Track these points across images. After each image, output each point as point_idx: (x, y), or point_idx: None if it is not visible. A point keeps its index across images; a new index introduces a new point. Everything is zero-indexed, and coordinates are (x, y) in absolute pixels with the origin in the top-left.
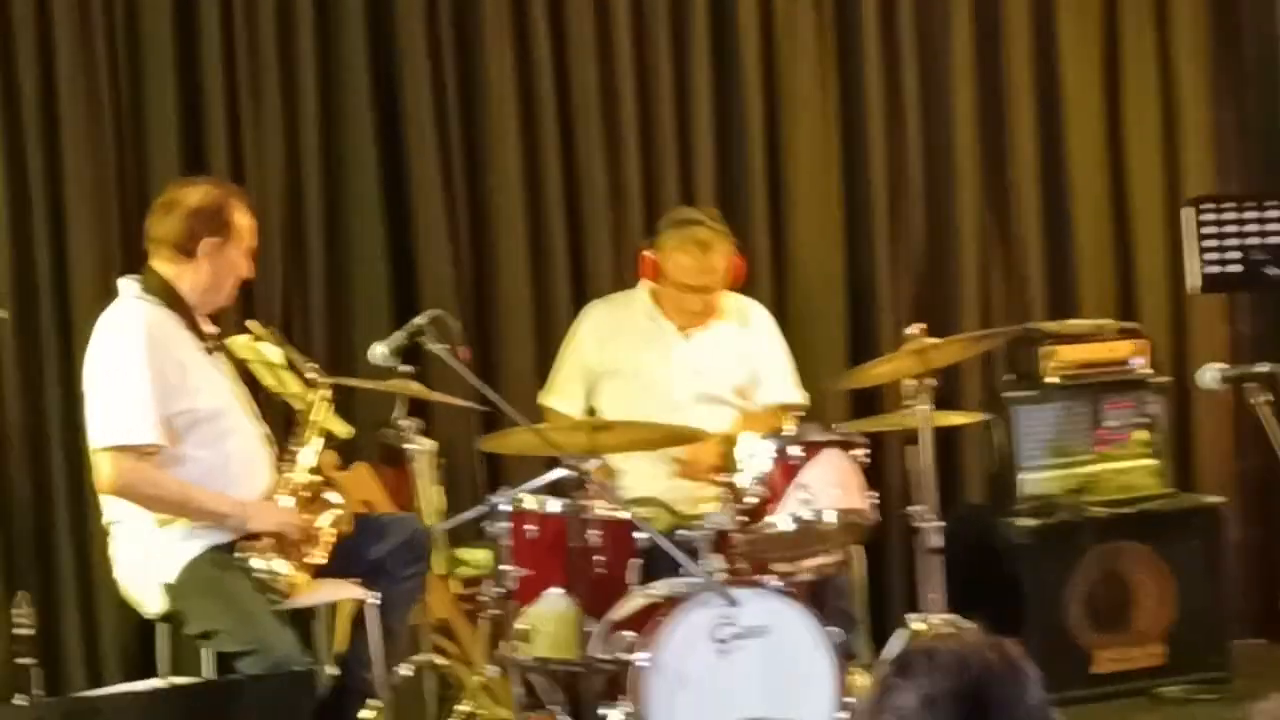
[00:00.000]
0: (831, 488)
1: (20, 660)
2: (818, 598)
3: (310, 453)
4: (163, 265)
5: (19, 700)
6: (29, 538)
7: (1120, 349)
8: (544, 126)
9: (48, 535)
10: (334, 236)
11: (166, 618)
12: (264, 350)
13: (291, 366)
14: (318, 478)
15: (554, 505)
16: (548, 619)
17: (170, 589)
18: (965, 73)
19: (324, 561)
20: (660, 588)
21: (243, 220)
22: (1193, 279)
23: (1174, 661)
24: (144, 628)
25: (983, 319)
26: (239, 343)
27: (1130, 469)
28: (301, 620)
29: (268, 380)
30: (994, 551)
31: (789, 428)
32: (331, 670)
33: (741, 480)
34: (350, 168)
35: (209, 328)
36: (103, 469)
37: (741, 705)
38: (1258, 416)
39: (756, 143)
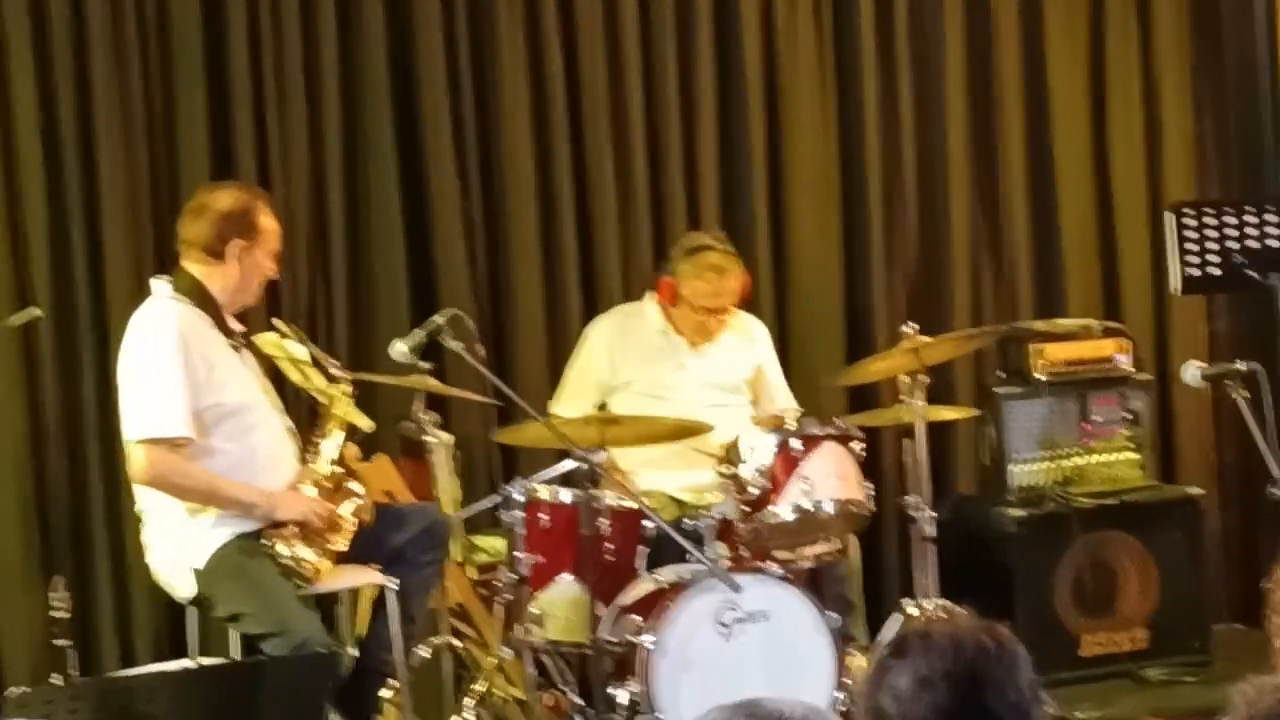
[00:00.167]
0: (830, 479)
1: (56, 641)
2: (817, 584)
3: (333, 445)
4: (193, 266)
5: (55, 679)
6: (65, 525)
7: (1105, 347)
8: (556, 135)
9: (83, 523)
10: (356, 239)
11: (196, 601)
12: (289, 347)
13: (315, 363)
14: (340, 469)
15: (565, 495)
16: (559, 603)
17: (200, 574)
18: (958, 85)
19: (346, 549)
20: (667, 574)
21: (269, 223)
22: (1174, 281)
23: (1157, 645)
24: (174, 611)
25: (974, 318)
26: (265, 340)
27: (1115, 462)
28: (324, 604)
29: (293, 376)
30: (985, 540)
31: (790, 423)
32: (353, 652)
33: (745, 472)
34: (371, 174)
35: (236, 326)
36: (136, 460)
37: (744, 686)
38: (1235, 411)
39: (758, 150)
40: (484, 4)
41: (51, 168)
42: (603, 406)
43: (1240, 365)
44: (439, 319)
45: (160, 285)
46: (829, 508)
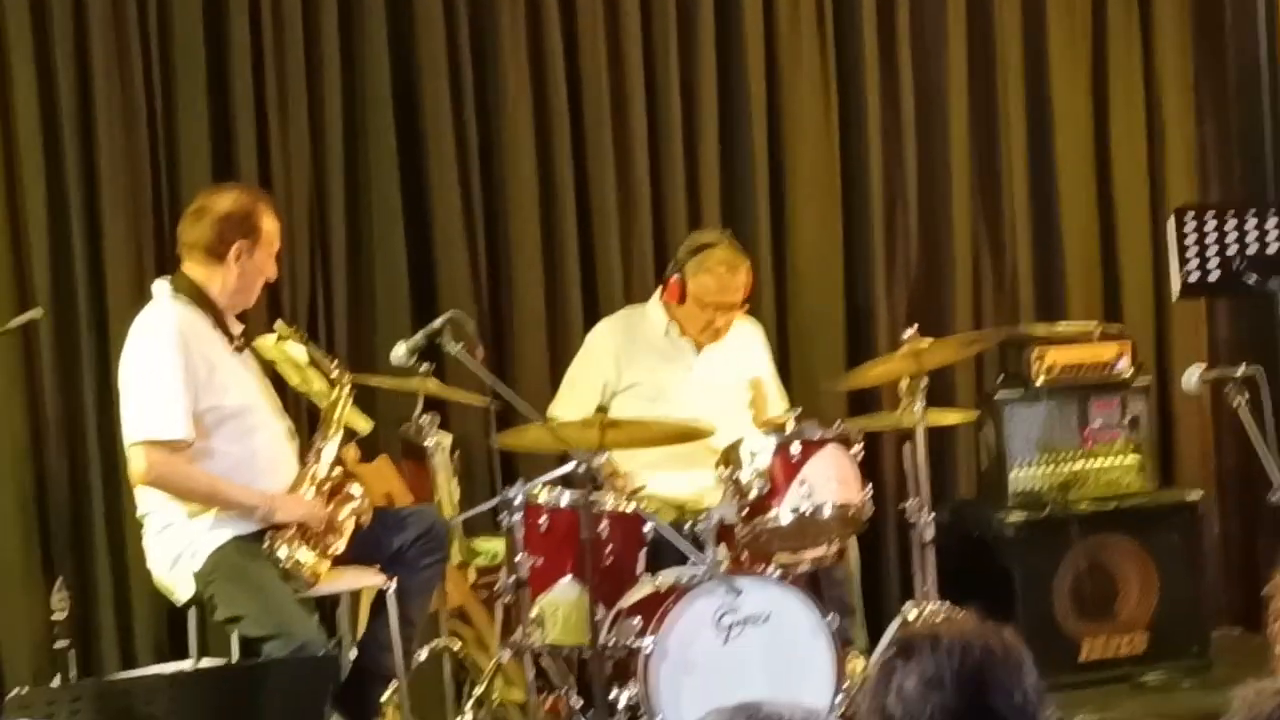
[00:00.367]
0: (830, 483)
1: (57, 643)
2: (816, 587)
3: (332, 447)
4: (194, 268)
5: (55, 681)
6: (66, 527)
7: (1105, 352)
8: (557, 137)
9: (83, 525)
10: (357, 241)
11: (196, 603)
12: (290, 349)
13: (315, 365)
14: (339, 471)
15: (565, 498)
16: (559, 606)
17: (199, 576)
18: (959, 88)
19: (345, 550)
20: (667, 577)
21: (270, 225)
22: (1174, 285)
23: (1156, 650)
24: (174, 613)
25: (975, 323)
26: (266, 342)
27: (1115, 466)
28: (324, 606)
29: (293, 378)
30: (985, 544)
31: (790, 426)
32: (352, 654)
33: (745, 475)
34: (373, 177)
35: (236, 328)
36: (136, 462)
37: (743, 689)
38: (1235, 416)
39: (759, 152)
40: (486, 6)
41: (52, 168)
42: (602, 410)
43: (1240, 370)
44: (439, 322)
45: (161, 287)
46: (828, 511)
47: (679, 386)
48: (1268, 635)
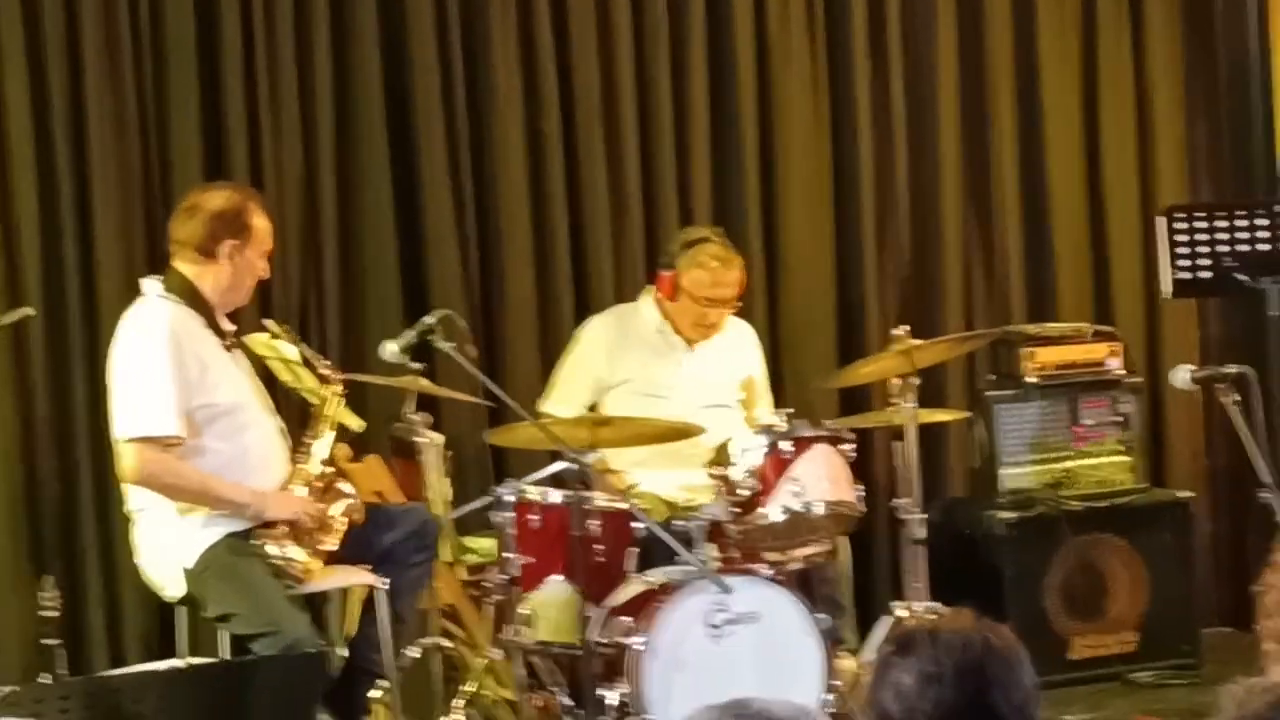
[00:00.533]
0: (821, 481)
1: (46, 641)
2: (806, 586)
3: (324, 445)
4: (185, 266)
5: (44, 679)
6: (55, 524)
7: (1096, 351)
8: (548, 136)
9: (73, 522)
10: (348, 239)
11: (186, 601)
12: (281, 347)
13: (306, 363)
14: (330, 469)
15: (556, 496)
16: (549, 604)
17: (189, 574)
18: (950, 87)
19: (336, 549)
20: (657, 575)
21: (261, 223)
22: (1165, 284)
23: (1146, 648)
24: (164, 611)
25: (965, 322)
26: (257, 340)
27: (1105, 465)
28: (314, 604)
29: (284, 376)
30: (975, 543)
31: (781, 425)
32: (342, 652)
33: (735, 473)
34: (364, 174)
35: (228, 326)
36: (127, 459)
37: (734, 688)
38: (1225, 415)
39: (750, 153)
40: (477, 5)
41: (43, 166)
42: (593, 408)
43: (1231, 369)
44: (430, 320)
45: (151, 285)
46: (819, 509)
47: (671, 383)
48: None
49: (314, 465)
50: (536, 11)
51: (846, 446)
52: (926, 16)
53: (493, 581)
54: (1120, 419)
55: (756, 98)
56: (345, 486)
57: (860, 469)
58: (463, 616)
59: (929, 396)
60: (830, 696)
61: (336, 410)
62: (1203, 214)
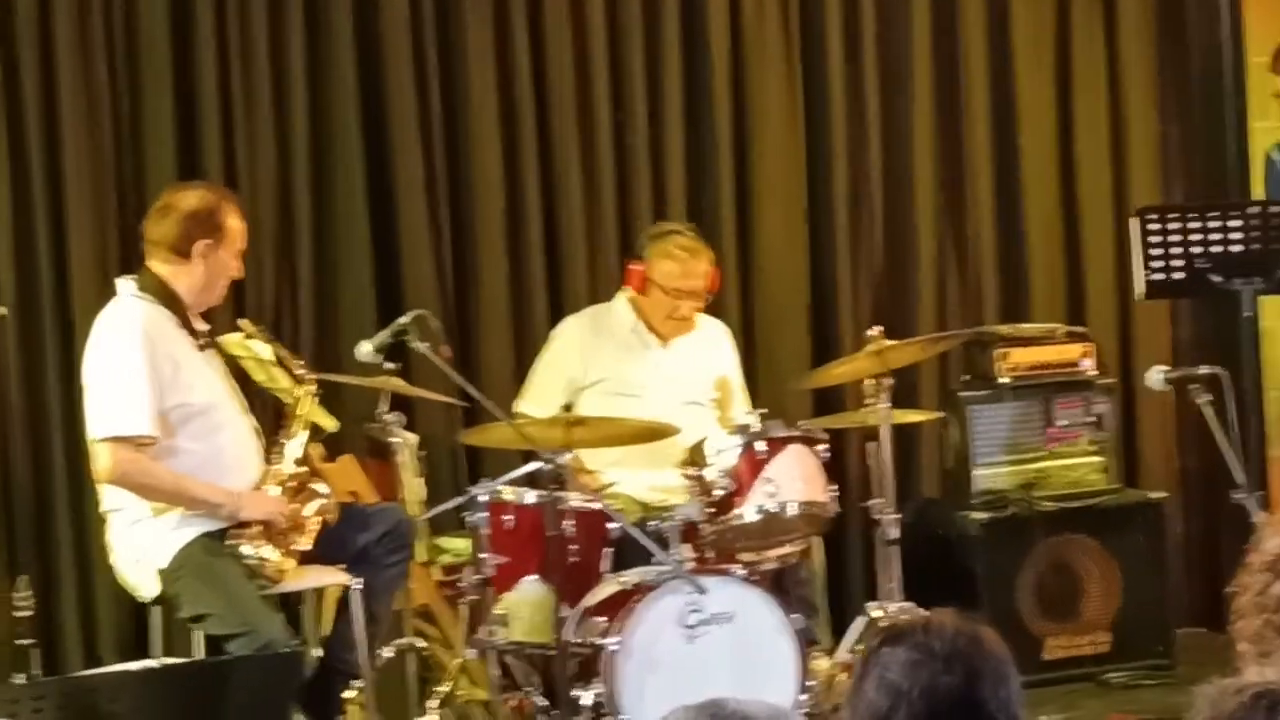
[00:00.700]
0: (795, 481)
1: (20, 641)
2: (781, 586)
3: (297, 445)
4: (159, 266)
5: (18, 679)
6: (30, 524)
7: (1069, 352)
8: (523, 137)
9: (47, 522)
10: (322, 239)
11: (160, 601)
12: (254, 347)
13: (280, 363)
14: (304, 469)
15: (530, 497)
16: (524, 605)
17: (164, 574)
18: (924, 88)
19: (309, 548)
20: (632, 575)
21: (235, 223)
22: (1138, 285)
23: (1120, 649)
24: (139, 611)
25: (939, 322)
26: (231, 340)
27: (1078, 465)
28: (289, 604)
29: (258, 376)
30: (949, 543)
31: (755, 424)
32: (317, 652)
33: (710, 474)
34: (338, 174)
35: (201, 326)
36: (101, 459)
37: (708, 688)
38: (1198, 416)
39: (725, 154)
40: (451, 7)
41: (17, 166)
42: (568, 408)
43: (1204, 370)
44: (404, 320)
45: (125, 285)
46: (793, 510)
47: (645, 382)
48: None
49: (288, 465)
50: (511, 15)
51: (820, 447)
52: (901, 18)
53: (467, 582)
54: (1093, 420)
55: (731, 100)
56: (319, 486)
57: (834, 469)
58: (437, 617)
59: (903, 397)
60: (805, 697)
61: (310, 410)
62: (1176, 215)
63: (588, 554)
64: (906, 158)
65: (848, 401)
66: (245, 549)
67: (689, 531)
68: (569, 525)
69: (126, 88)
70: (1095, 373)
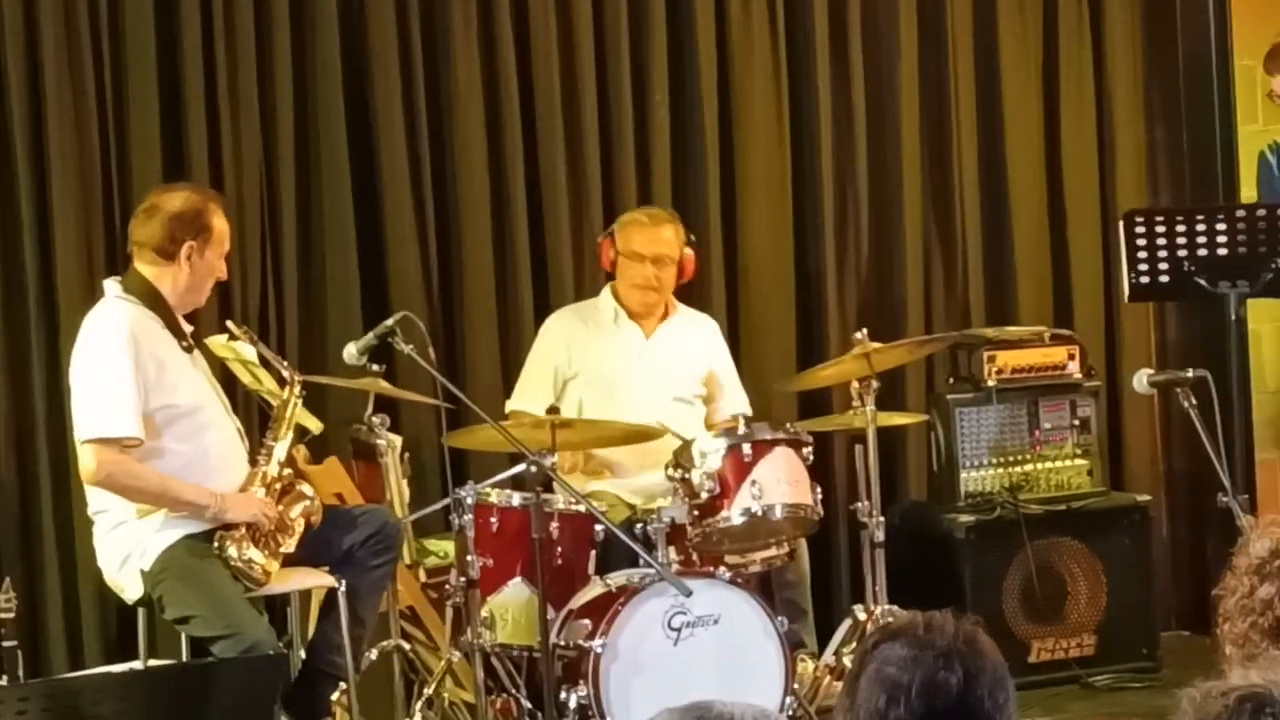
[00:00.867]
0: (780, 484)
1: (4, 642)
2: (766, 589)
3: (283, 447)
4: (145, 267)
5: (1, 681)
6: (14, 525)
7: (1055, 354)
8: (509, 138)
9: (32, 523)
10: (308, 241)
11: (145, 603)
12: (240, 349)
13: (266, 364)
14: (289, 471)
15: (516, 499)
16: (509, 607)
17: (149, 576)
18: (911, 90)
19: (293, 550)
20: (617, 578)
21: (221, 225)
22: (1124, 289)
23: (1105, 651)
24: (124, 612)
25: (925, 325)
26: (217, 342)
27: (1064, 468)
28: (274, 607)
29: (244, 378)
30: (934, 546)
31: (741, 427)
32: (302, 655)
33: (695, 476)
34: (323, 175)
35: (187, 327)
36: (86, 460)
37: (693, 690)
38: (1184, 419)
39: (711, 155)
40: (438, 6)
41: (2, 167)
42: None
43: (1189, 373)
44: (390, 322)
45: (111, 286)
46: (779, 512)
47: (628, 372)
48: (1216, 637)
49: (273, 467)
50: (497, 15)
51: (806, 449)
52: (888, 21)
53: (453, 584)
54: (1079, 423)
55: (718, 101)
56: (304, 488)
57: (820, 472)
58: (422, 619)
59: (888, 400)
60: (790, 699)
61: (296, 412)
62: (1162, 218)
63: (573, 556)
64: (893, 161)
65: (834, 404)
66: (230, 551)
67: (675, 533)
68: (555, 527)
69: (111, 88)
70: (1081, 376)
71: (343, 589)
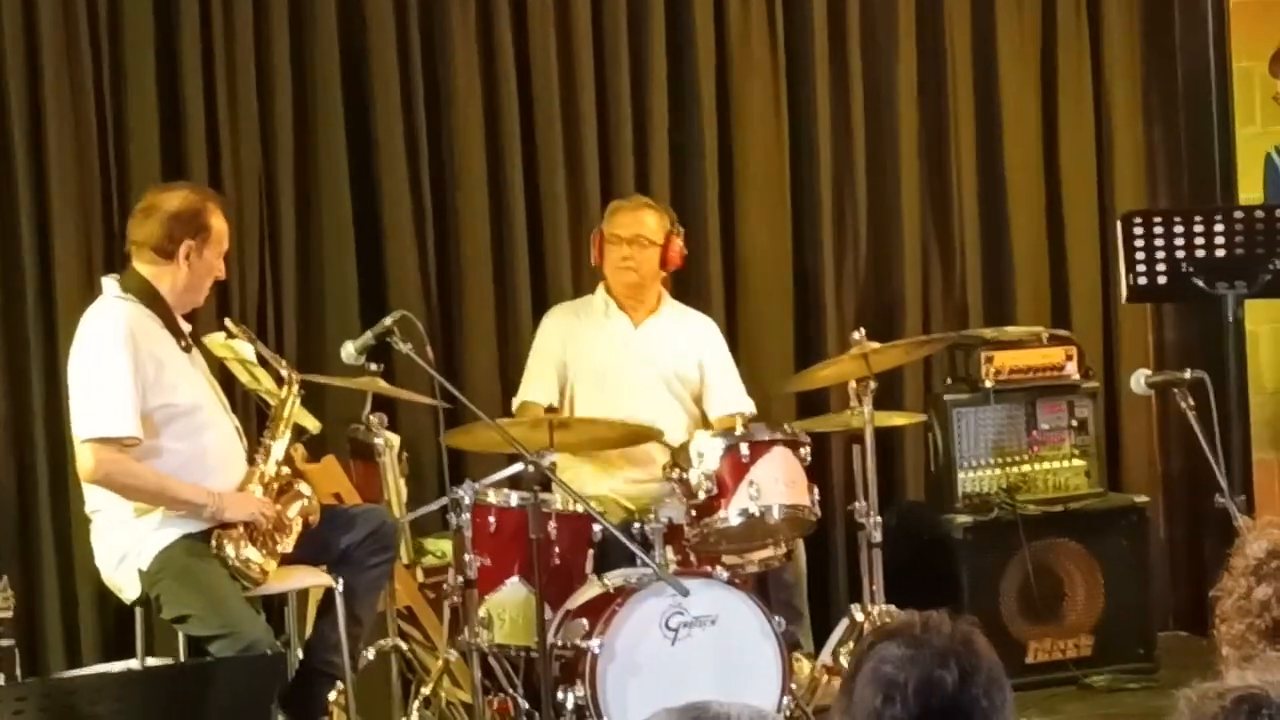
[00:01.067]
0: (778, 484)
1: (1, 641)
2: (764, 589)
3: (281, 446)
4: (144, 267)
5: None
6: (12, 524)
7: (1053, 355)
8: (508, 138)
9: (30, 522)
10: (306, 240)
11: (143, 602)
12: (238, 348)
13: (264, 363)
14: (287, 470)
15: (514, 498)
16: (507, 606)
17: (146, 575)
18: (909, 92)
19: (290, 550)
20: (614, 578)
21: (219, 224)
22: (1122, 289)
23: (1102, 652)
24: (121, 612)
25: (923, 325)
26: (215, 341)
27: (1062, 469)
28: (271, 606)
29: (242, 377)
30: (932, 547)
31: (739, 427)
32: (299, 654)
33: (693, 476)
34: (322, 175)
35: (185, 326)
36: (85, 459)
37: (691, 691)
38: (1182, 419)
39: (710, 156)
40: (437, 8)
41: (1, 167)
42: (552, 410)
43: (1187, 374)
44: (388, 321)
45: (110, 285)
46: (776, 513)
47: (616, 361)
48: (1213, 638)
49: (270, 466)
50: (496, 15)
51: (804, 450)
52: (887, 22)
53: (450, 583)
54: (1077, 423)
55: (716, 101)
56: (302, 487)
57: (817, 472)
58: (420, 618)
59: (887, 400)
60: (788, 700)
61: (294, 411)
62: (1160, 219)
63: (571, 556)
64: (892, 161)
65: (832, 404)
66: (228, 550)
67: (672, 534)
68: (552, 527)
69: (110, 87)
70: (1079, 376)
71: (340, 588)
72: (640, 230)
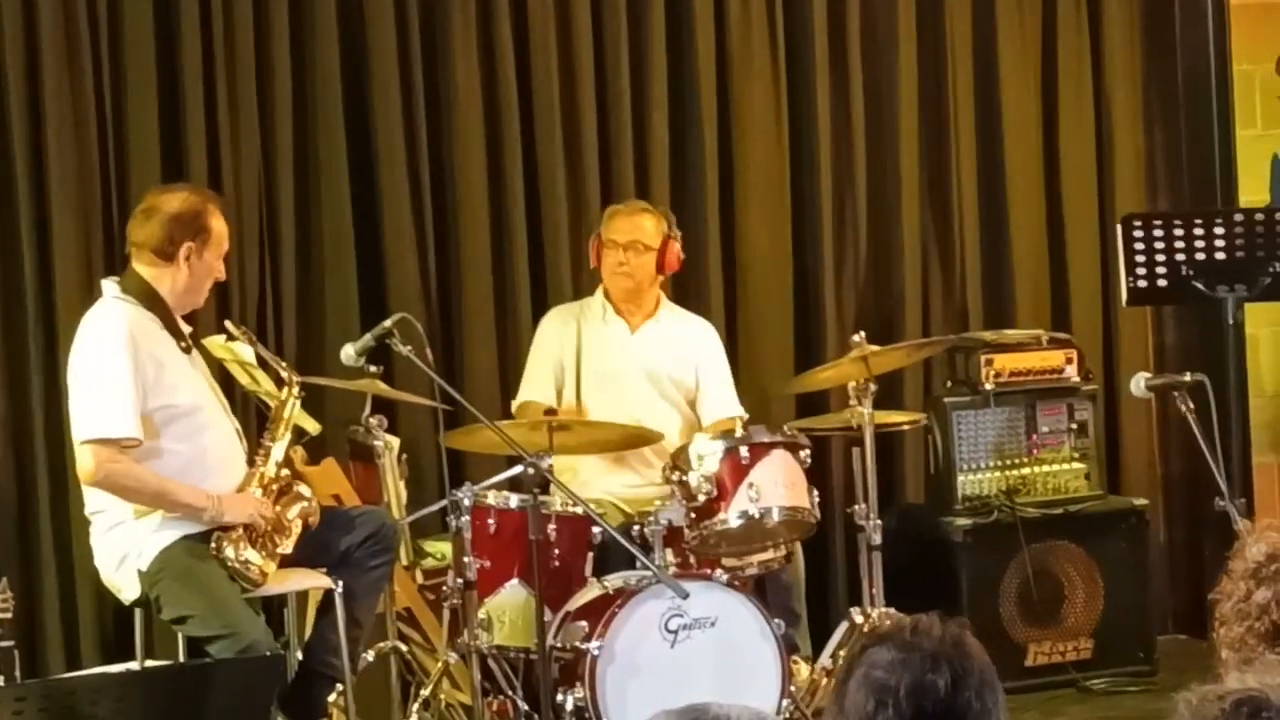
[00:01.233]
0: (778, 487)
1: (1, 642)
2: (763, 591)
3: (280, 448)
4: (144, 268)
5: None
6: (11, 525)
7: (1053, 358)
8: (508, 140)
9: (29, 523)
10: (306, 242)
11: (142, 603)
12: (238, 349)
13: (264, 365)
14: (287, 472)
15: (513, 500)
16: (506, 608)
17: (146, 576)
18: (909, 94)
19: (289, 552)
20: (614, 580)
21: (219, 226)
22: (1122, 292)
23: (1102, 655)
24: (121, 613)
25: (923, 328)
26: (215, 342)
27: (1061, 472)
28: (271, 608)
29: (242, 378)
30: (931, 549)
31: (739, 430)
32: (299, 656)
33: (693, 478)
34: (322, 176)
35: (185, 328)
36: (84, 461)
37: (690, 693)
38: (1182, 422)
39: (710, 159)
40: (437, 10)
41: (1, 169)
42: (550, 412)
43: (1187, 377)
44: (388, 323)
45: (110, 286)
46: (776, 515)
47: (613, 365)
48: (1212, 641)
49: (270, 468)
50: (496, 19)
51: (803, 452)
52: (887, 25)
53: (450, 585)
54: (1076, 426)
55: (716, 104)
56: (301, 489)
57: (817, 475)
58: (419, 620)
59: (886, 403)
60: (787, 702)
61: (294, 413)
62: (1160, 222)
63: (570, 558)
64: (892, 164)
65: (832, 407)
66: (228, 551)
67: (672, 536)
68: (552, 529)
69: (110, 90)
70: (1079, 379)
71: (340, 590)
72: (636, 236)
